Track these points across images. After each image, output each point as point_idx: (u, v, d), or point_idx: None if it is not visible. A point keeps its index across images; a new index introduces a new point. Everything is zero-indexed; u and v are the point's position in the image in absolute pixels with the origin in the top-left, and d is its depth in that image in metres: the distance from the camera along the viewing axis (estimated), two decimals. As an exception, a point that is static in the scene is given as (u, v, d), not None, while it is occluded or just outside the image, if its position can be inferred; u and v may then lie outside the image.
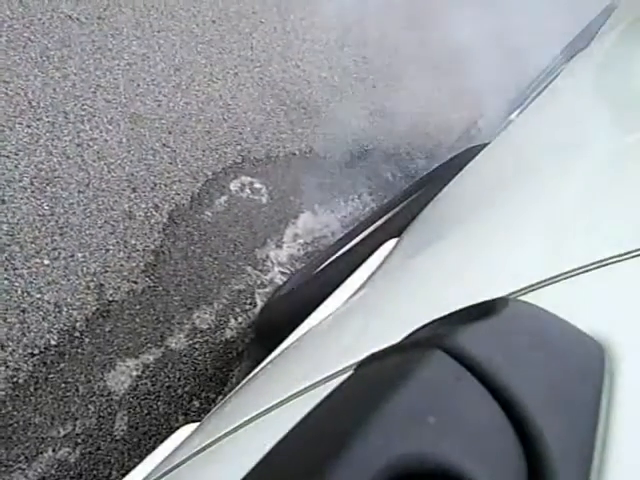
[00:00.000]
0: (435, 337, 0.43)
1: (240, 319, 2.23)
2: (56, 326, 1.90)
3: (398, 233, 1.61)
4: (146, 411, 1.95)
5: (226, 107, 2.61)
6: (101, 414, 1.88)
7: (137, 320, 2.03)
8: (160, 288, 2.12)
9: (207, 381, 2.09)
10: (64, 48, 2.32)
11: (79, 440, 1.83)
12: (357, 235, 2.15)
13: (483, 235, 1.01)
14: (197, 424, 1.26)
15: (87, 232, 2.06)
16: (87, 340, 1.94)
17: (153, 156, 2.31)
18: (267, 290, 2.34)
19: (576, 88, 1.62)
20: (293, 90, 2.87)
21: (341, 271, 1.58)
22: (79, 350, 1.92)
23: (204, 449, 0.88)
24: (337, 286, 1.43)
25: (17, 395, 1.79)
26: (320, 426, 0.39)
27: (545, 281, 0.64)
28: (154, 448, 1.27)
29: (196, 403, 2.04)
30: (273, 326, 2.13)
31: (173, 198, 2.29)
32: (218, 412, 1.18)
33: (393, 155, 2.99)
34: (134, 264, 2.10)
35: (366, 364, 0.46)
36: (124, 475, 1.26)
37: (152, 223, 2.19)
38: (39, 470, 1.75)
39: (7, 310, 1.85)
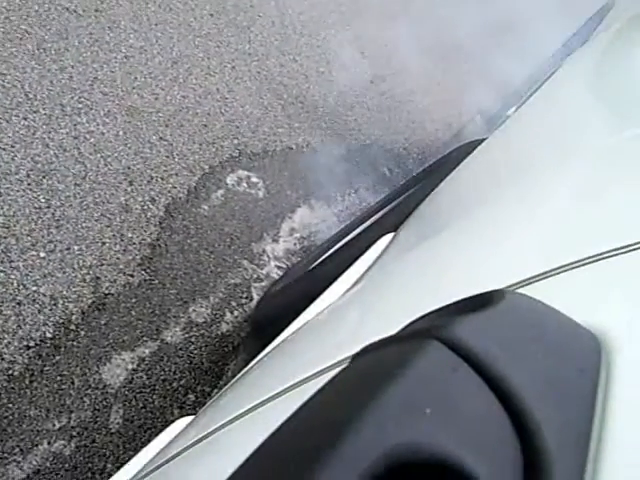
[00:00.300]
0: (432, 328, 0.43)
1: (236, 313, 2.23)
2: (52, 319, 1.90)
3: (395, 228, 1.61)
4: (141, 404, 1.95)
5: (223, 101, 2.61)
6: (96, 407, 1.88)
7: (133, 313, 2.03)
8: (156, 281, 2.11)
9: (203, 374, 2.09)
10: (61, 40, 2.31)
11: (74, 433, 1.83)
12: (353, 230, 2.15)
13: (480, 229, 1.02)
14: (192, 417, 1.26)
15: (83, 225, 2.05)
16: (83, 333, 1.93)
17: (150, 149, 2.31)
18: (263, 284, 2.34)
19: (573, 85, 1.62)
20: (291, 84, 2.86)
21: (337, 265, 1.58)
22: (75, 343, 1.91)
23: (199, 441, 0.88)
24: (333, 280, 1.44)
25: (12, 388, 1.79)
26: (315, 416, 0.39)
27: (542, 274, 0.65)
28: (149, 441, 1.27)
29: (191, 396, 2.04)
30: (269, 320, 2.13)
31: (170, 191, 2.28)
32: (213, 405, 1.19)
33: (390, 150, 2.99)
34: (130, 257, 2.10)
35: (362, 355, 0.46)
36: (119, 468, 1.27)
37: (148, 216, 2.19)
38: (34, 462, 1.75)
39: (3, 302, 1.85)
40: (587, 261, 0.62)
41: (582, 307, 0.55)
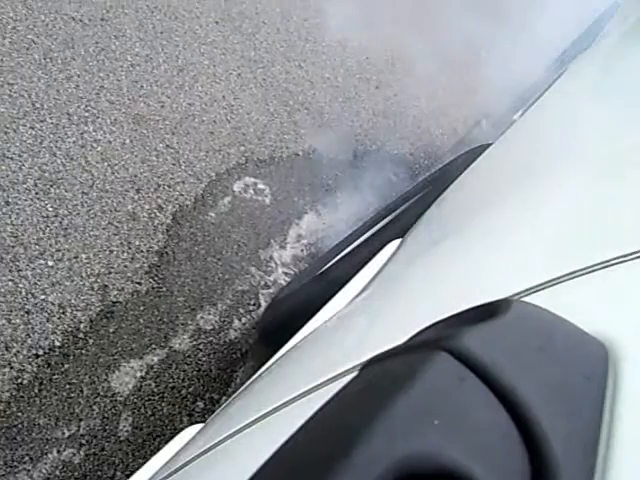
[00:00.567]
0: (439, 339, 0.43)
1: (244, 320, 2.23)
2: (60, 327, 1.91)
3: (402, 234, 1.61)
4: (150, 412, 1.95)
5: (229, 108, 2.62)
6: (105, 415, 1.88)
7: (141, 321, 2.04)
8: (164, 289, 2.12)
9: (211, 382, 2.09)
10: (67, 50, 2.32)
11: (83, 441, 1.83)
12: (361, 236, 2.15)
13: (486, 235, 1.01)
14: (201, 425, 1.27)
15: (91, 233, 2.06)
16: (91, 341, 1.94)
17: (156, 157, 2.32)
18: (271, 291, 2.34)
19: (578, 89, 1.62)
20: (296, 91, 2.87)
21: (345, 272, 1.57)
22: (83, 351, 1.92)
23: (209, 450, 0.88)
24: (341, 287, 1.43)
25: (22, 396, 1.80)
26: (325, 427, 0.40)
27: (549, 282, 0.65)
28: (158, 449, 1.28)
29: (200, 404, 2.05)
30: (277, 327, 2.13)
31: (177, 199, 2.29)
32: (222, 413, 1.19)
33: (396, 155, 2.99)
34: (138, 265, 2.10)
35: (370, 365, 0.46)
36: (128, 476, 1.27)
37: (156, 224, 2.20)
38: (44, 471, 1.75)
39: (11, 311, 1.85)
40: (593, 269, 0.62)
41: (589, 315, 0.55)
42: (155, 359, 2.01)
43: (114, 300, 2.02)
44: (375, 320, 1.03)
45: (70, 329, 1.92)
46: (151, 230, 2.18)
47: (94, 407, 1.88)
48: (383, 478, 0.33)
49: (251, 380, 1.28)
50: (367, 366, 0.46)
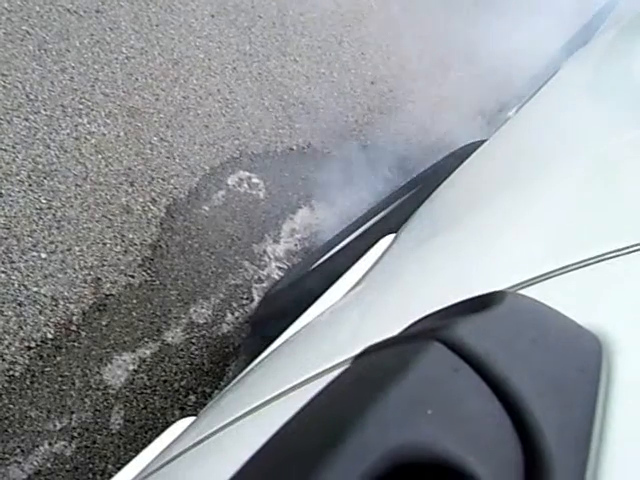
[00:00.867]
0: (433, 329, 0.43)
1: (237, 314, 2.23)
2: (52, 319, 1.90)
3: (396, 229, 1.61)
4: (142, 405, 1.95)
5: (224, 102, 2.61)
6: (97, 408, 1.88)
7: (134, 314, 2.03)
8: (157, 282, 2.12)
9: (203, 375, 2.09)
10: (62, 41, 2.31)
11: (75, 434, 1.83)
12: (355, 230, 2.15)
13: (481, 230, 1.02)
14: (193, 418, 1.26)
15: (84, 226, 2.06)
16: (84, 334, 1.94)
17: (151, 150, 2.31)
18: (264, 285, 2.34)
19: (573, 86, 1.62)
20: (291, 85, 2.86)
21: (338, 266, 1.57)
22: (76, 344, 1.92)
23: (200, 442, 0.88)
24: (334, 281, 1.43)
25: (13, 388, 1.79)
26: (317, 417, 0.40)
27: (543, 275, 0.65)
28: (150, 442, 1.27)
29: (192, 397, 2.05)
30: (270, 321, 2.13)
31: (171, 192, 2.28)
32: (214, 406, 1.19)
33: (391, 151, 2.99)
34: (131, 258, 2.10)
35: (364, 356, 0.46)
36: (120, 469, 1.26)
37: (149, 217, 2.19)
38: (35, 463, 1.75)
39: (4, 303, 1.85)
40: (588, 262, 0.62)
41: (583, 308, 0.55)
42: (148, 352, 2.01)
43: (107, 293, 2.02)
44: (368, 314, 1.03)
45: (62, 321, 1.91)
46: (145, 223, 2.18)
47: (86, 400, 1.87)
48: (376, 468, 0.32)
49: (243, 373, 1.28)
50: (360, 357, 0.46)
